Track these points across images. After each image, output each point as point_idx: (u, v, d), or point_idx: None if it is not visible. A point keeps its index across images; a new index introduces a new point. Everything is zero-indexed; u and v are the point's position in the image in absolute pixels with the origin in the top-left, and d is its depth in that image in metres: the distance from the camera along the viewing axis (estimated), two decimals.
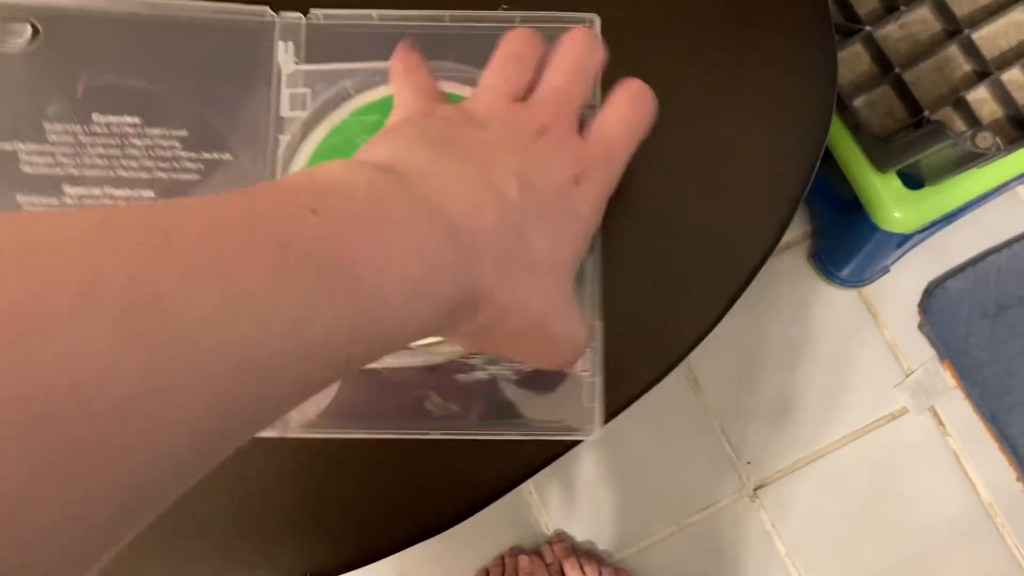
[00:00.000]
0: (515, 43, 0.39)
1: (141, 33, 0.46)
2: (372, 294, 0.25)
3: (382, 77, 0.47)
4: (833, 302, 1.19)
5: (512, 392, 0.44)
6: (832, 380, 1.18)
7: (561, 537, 1.13)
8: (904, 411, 1.18)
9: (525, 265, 0.32)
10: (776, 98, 0.51)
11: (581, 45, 0.39)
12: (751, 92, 0.51)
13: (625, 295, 0.46)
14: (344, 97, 0.47)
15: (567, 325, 0.35)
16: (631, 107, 0.39)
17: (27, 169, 0.44)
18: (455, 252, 0.29)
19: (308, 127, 0.46)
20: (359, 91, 0.47)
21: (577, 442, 0.46)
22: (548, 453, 0.46)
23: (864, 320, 1.19)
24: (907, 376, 1.18)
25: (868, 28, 0.97)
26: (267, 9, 0.47)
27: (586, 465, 1.15)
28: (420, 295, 0.27)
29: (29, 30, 0.45)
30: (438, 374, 0.44)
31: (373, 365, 0.44)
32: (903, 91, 0.97)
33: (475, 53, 0.47)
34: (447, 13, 0.47)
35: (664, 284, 0.48)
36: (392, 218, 0.27)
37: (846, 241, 1.08)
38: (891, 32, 0.99)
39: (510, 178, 0.32)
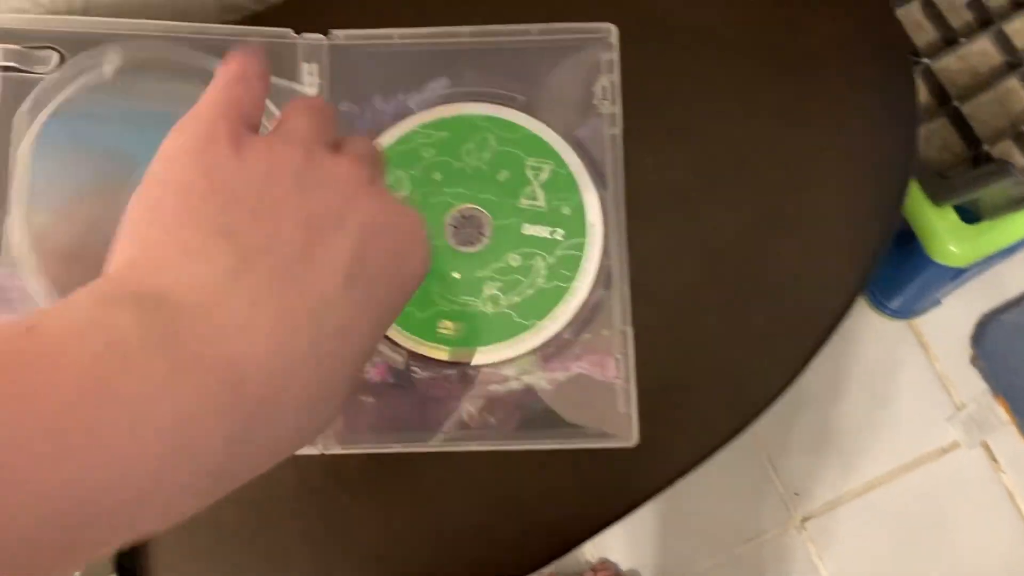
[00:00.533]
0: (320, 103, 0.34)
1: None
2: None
3: (421, 104, 0.48)
4: (883, 333, 1.17)
5: (547, 401, 0.45)
6: (881, 412, 1.16)
7: (605, 565, 1.13)
8: (955, 445, 1.16)
9: (348, 360, 0.28)
10: (855, 155, 0.51)
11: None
12: (829, 140, 0.51)
13: (704, 349, 0.47)
14: (405, 113, 0.48)
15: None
16: None
17: None
18: (237, 406, 0.24)
19: (373, 133, 0.48)
20: (420, 108, 0.48)
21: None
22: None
23: (914, 352, 1.18)
24: (958, 410, 1.16)
25: (926, 60, 0.96)
26: (289, 31, 0.48)
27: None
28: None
29: (55, 57, 0.46)
30: (472, 386, 0.45)
31: (409, 381, 0.45)
32: (961, 124, 0.95)
33: (496, 68, 0.48)
34: (466, 29, 0.48)
35: (743, 338, 0.48)
36: (135, 391, 0.22)
37: (898, 272, 1.07)
38: (949, 64, 0.97)
39: (336, 272, 0.27)
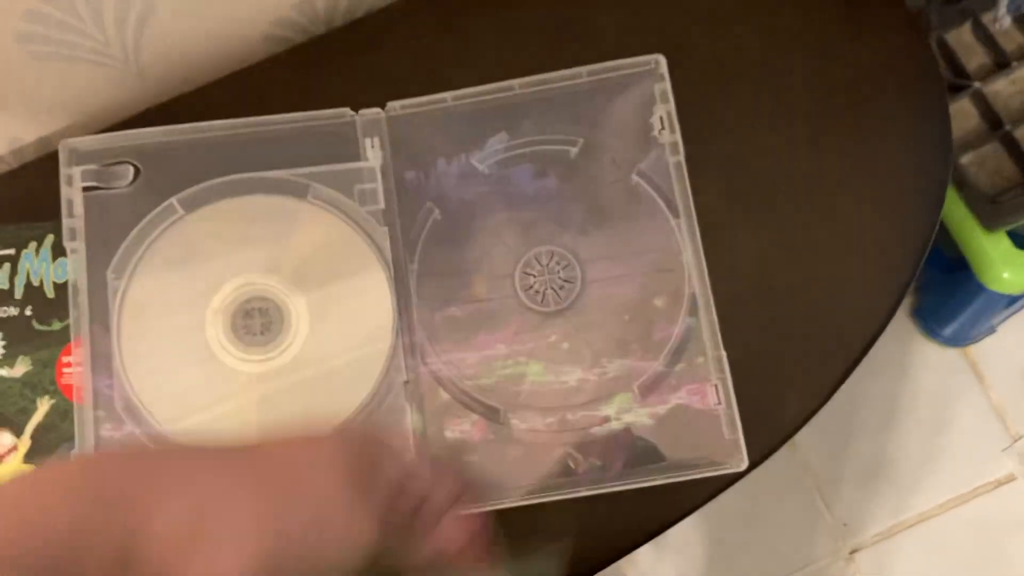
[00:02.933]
0: None
1: (232, 152, 0.48)
2: None
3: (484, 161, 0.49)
4: (936, 361, 1.15)
5: (650, 436, 0.45)
6: (934, 442, 1.14)
7: None
8: (1011, 478, 1.13)
9: None
10: (889, 180, 0.51)
11: None
12: (864, 172, 0.51)
13: (740, 362, 0.46)
14: (469, 172, 0.49)
15: None
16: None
17: None
18: None
19: (425, 215, 0.48)
20: (482, 164, 0.49)
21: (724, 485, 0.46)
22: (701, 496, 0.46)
23: (968, 381, 1.15)
24: (1015, 441, 1.13)
25: (977, 84, 0.95)
26: (347, 110, 0.48)
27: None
28: None
29: (131, 171, 0.47)
30: (574, 431, 0.45)
31: (510, 435, 0.45)
32: (1013, 149, 0.94)
33: (551, 115, 0.48)
34: (516, 82, 0.48)
35: (773, 364, 0.48)
36: None
37: (951, 300, 1.05)
38: (1001, 88, 0.96)
39: None
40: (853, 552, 1.13)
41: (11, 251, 0.51)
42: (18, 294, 0.51)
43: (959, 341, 1.13)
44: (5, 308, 0.50)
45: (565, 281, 0.47)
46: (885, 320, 0.49)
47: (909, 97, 0.51)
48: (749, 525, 1.13)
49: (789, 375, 0.48)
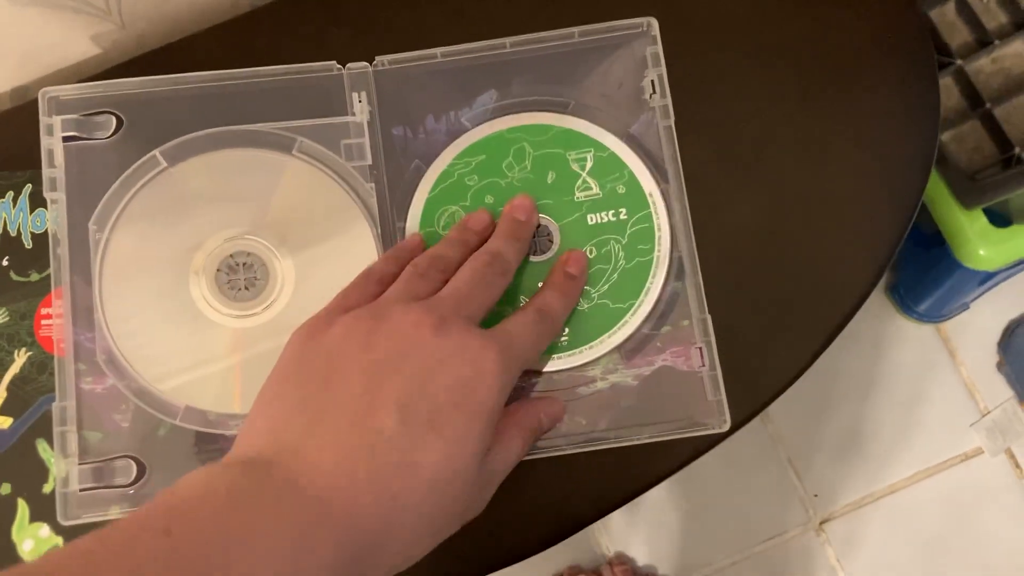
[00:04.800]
0: (423, 262, 0.41)
1: (218, 106, 0.48)
2: None
3: (473, 118, 0.48)
4: (909, 336, 1.17)
5: (634, 397, 0.45)
6: (905, 416, 1.16)
7: (622, 559, 1.13)
8: (979, 451, 1.15)
9: (415, 487, 0.32)
10: (877, 144, 0.51)
11: (487, 264, 0.41)
12: (851, 142, 0.51)
13: (722, 326, 0.46)
14: (443, 141, 0.48)
15: (477, 499, 0.37)
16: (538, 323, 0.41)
17: None
18: (327, 528, 0.30)
19: (414, 173, 0.47)
20: (455, 135, 0.48)
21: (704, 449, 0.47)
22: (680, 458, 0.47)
23: (940, 356, 1.17)
24: (983, 416, 1.15)
25: (959, 62, 0.95)
26: (334, 63, 0.48)
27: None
28: None
29: (114, 121, 0.46)
30: (560, 391, 0.45)
31: None
32: (993, 127, 0.94)
33: (542, 75, 0.48)
34: (507, 40, 0.48)
35: (759, 322, 0.49)
36: (252, 523, 0.28)
37: (926, 276, 1.06)
38: (983, 66, 0.96)
39: (391, 411, 0.33)
40: (823, 522, 1.15)
41: None
42: None
43: (933, 317, 1.14)
44: None
45: (549, 240, 0.47)
46: (867, 290, 0.50)
47: (899, 68, 0.52)
48: (721, 494, 1.14)
49: (769, 341, 0.49)
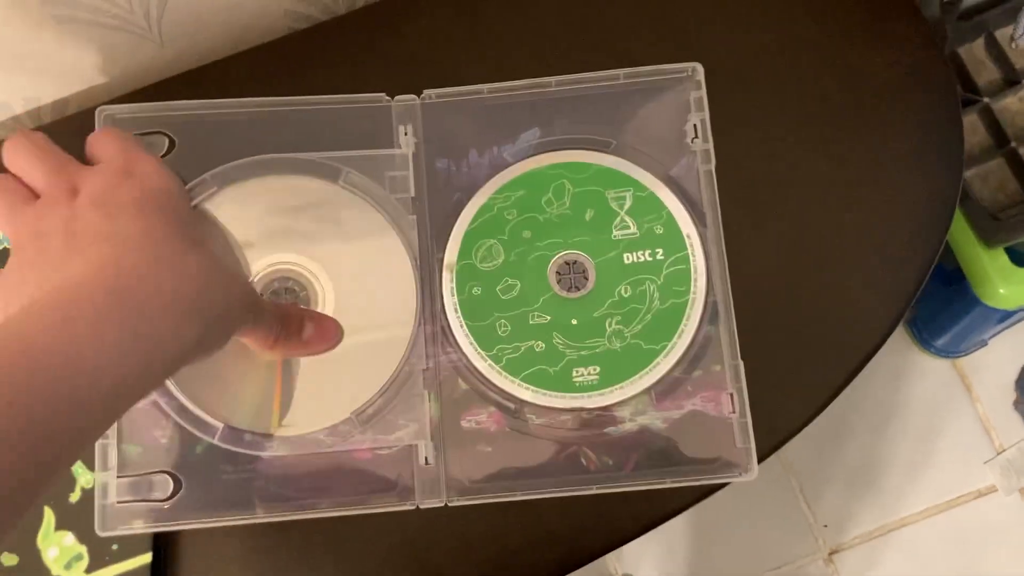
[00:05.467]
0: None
1: (269, 132, 0.49)
2: None
3: (516, 153, 0.49)
4: (926, 371, 1.17)
5: (663, 440, 0.46)
6: (919, 450, 1.16)
7: None
8: (992, 489, 1.15)
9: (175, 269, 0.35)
10: (900, 194, 0.52)
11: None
12: (876, 183, 0.52)
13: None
14: (483, 175, 0.49)
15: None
16: None
17: None
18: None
19: (455, 208, 0.48)
20: (497, 170, 0.49)
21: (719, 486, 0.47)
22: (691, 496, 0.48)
23: (957, 392, 1.17)
24: (998, 453, 1.15)
25: (986, 100, 0.95)
26: (383, 95, 0.49)
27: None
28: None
29: (165, 142, 0.47)
30: (589, 429, 0.46)
31: (526, 428, 0.46)
32: (1018, 166, 0.95)
33: (585, 115, 0.49)
34: (552, 79, 0.49)
35: (772, 368, 0.49)
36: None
37: (945, 311, 1.06)
38: (1010, 104, 0.97)
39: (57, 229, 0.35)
40: (832, 553, 1.15)
41: None
42: None
43: (951, 353, 1.14)
44: None
45: (584, 277, 0.47)
46: (887, 331, 0.50)
47: (924, 113, 0.52)
48: (731, 521, 1.15)
49: (788, 380, 0.49)
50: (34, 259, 0.35)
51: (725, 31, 0.53)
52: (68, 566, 0.48)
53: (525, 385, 0.46)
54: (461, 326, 0.47)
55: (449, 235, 0.48)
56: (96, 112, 0.47)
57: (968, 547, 1.14)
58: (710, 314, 0.46)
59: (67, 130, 0.50)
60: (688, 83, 0.48)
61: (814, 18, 0.53)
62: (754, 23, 0.53)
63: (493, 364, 0.46)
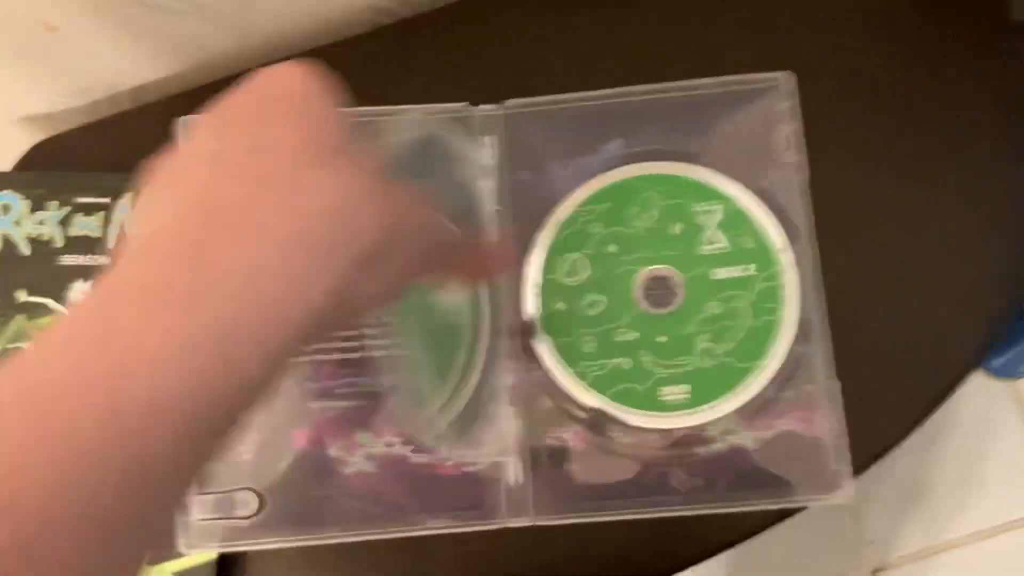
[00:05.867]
0: None
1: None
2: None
3: (601, 164, 0.48)
4: (980, 390, 1.15)
5: (755, 460, 0.44)
6: (968, 471, 1.14)
7: None
8: None
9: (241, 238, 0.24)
10: (994, 222, 0.50)
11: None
12: (970, 210, 0.50)
13: None
14: (566, 188, 0.47)
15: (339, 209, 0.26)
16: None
17: None
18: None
19: (536, 220, 0.47)
20: (582, 181, 0.48)
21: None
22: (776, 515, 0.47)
23: (1011, 415, 1.15)
24: None
25: None
26: (466, 104, 0.48)
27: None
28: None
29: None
30: (679, 449, 0.45)
31: (613, 446, 0.45)
32: None
33: (670, 124, 0.48)
34: (639, 88, 0.48)
35: (859, 386, 0.46)
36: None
37: (1005, 331, 1.04)
38: None
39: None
40: (876, 571, 1.13)
41: (106, 200, 0.51)
42: (110, 243, 0.51)
43: (1008, 373, 1.12)
44: (96, 256, 0.50)
45: (672, 293, 0.46)
46: (978, 357, 0.49)
47: (1018, 137, 0.51)
48: (774, 533, 1.12)
49: (877, 401, 0.48)
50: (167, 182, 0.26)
51: (820, 45, 0.52)
52: None
53: (612, 403, 0.45)
54: (545, 342, 0.46)
55: (532, 249, 0.47)
56: (178, 123, 0.47)
57: (1014, 574, 1.12)
58: (805, 331, 0.45)
59: (146, 120, 0.50)
60: (780, 93, 0.47)
61: (914, 40, 0.52)
62: (850, 39, 0.52)
63: (578, 381, 0.45)
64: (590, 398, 0.45)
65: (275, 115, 0.26)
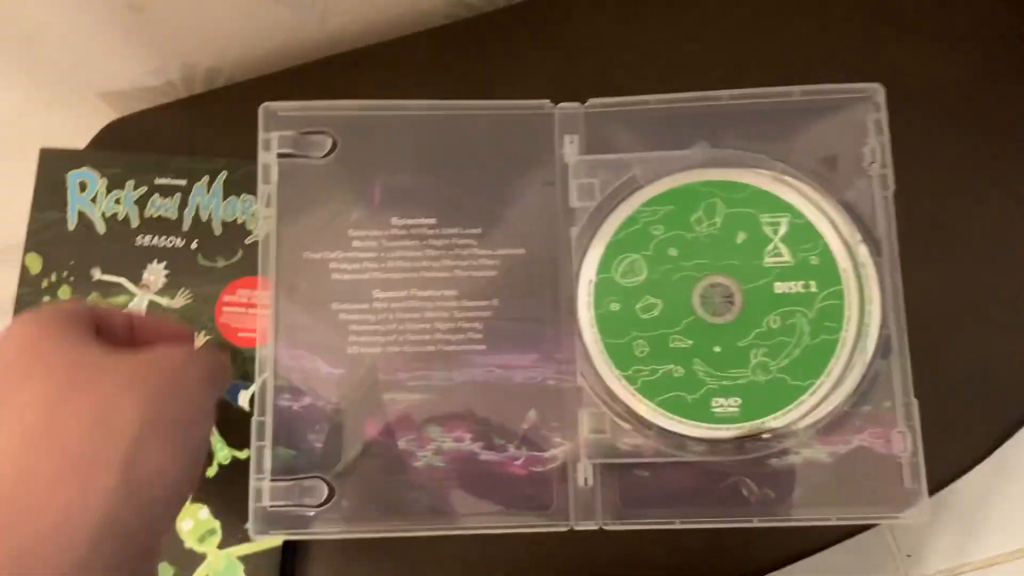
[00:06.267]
0: None
1: (429, 135, 0.48)
2: None
3: (671, 165, 0.47)
4: None
5: (827, 475, 0.44)
6: (1013, 487, 1.12)
7: None
8: None
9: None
10: None
11: None
12: None
13: None
14: (633, 187, 0.47)
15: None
16: None
17: (336, 276, 0.46)
18: None
19: (599, 218, 0.46)
20: (649, 181, 0.47)
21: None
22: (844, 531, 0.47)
23: None
24: None
25: None
26: (547, 102, 0.47)
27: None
28: None
29: (329, 142, 0.46)
30: (751, 459, 0.44)
31: (683, 453, 0.44)
32: None
33: (748, 131, 0.47)
34: (725, 92, 0.47)
35: (939, 407, 0.45)
36: None
37: None
38: None
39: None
40: None
41: (183, 182, 0.52)
42: (186, 226, 0.51)
43: None
44: (172, 238, 0.51)
45: (730, 302, 0.46)
46: None
47: None
48: None
49: (947, 427, 0.47)
50: None
51: (906, 57, 0.51)
52: (201, 540, 0.48)
53: (660, 411, 0.44)
54: (596, 342, 0.45)
55: (589, 246, 0.47)
56: (260, 110, 0.47)
57: None
58: (883, 347, 0.44)
59: (220, 104, 0.50)
60: (869, 104, 0.46)
61: (1004, 56, 0.51)
62: (938, 53, 0.51)
63: (628, 385, 0.45)
64: (638, 404, 0.44)
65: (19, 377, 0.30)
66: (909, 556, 1.12)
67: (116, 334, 0.37)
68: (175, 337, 0.39)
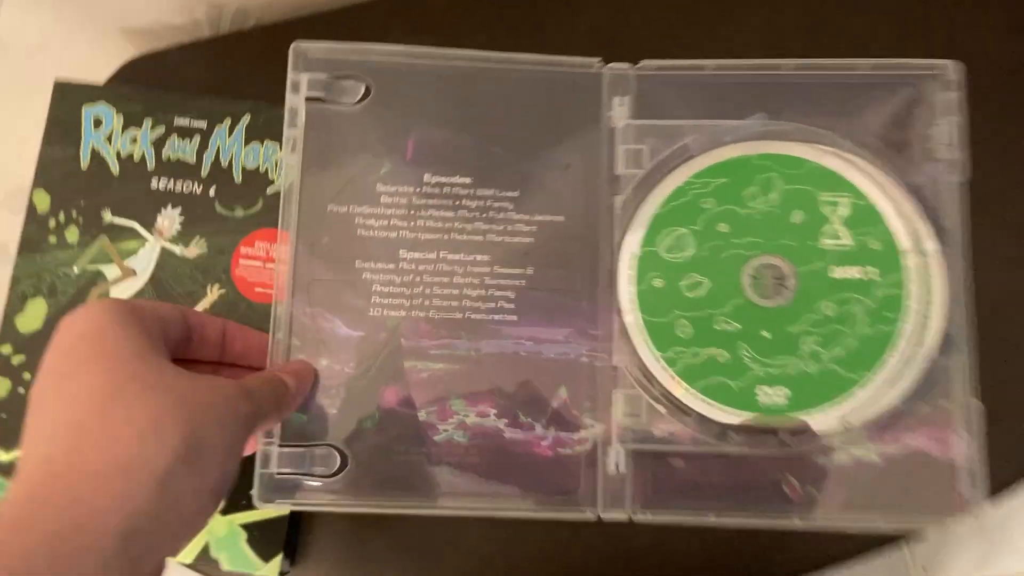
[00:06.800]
0: None
1: (468, 88, 0.45)
2: None
3: (726, 136, 0.44)
4: None
5: (877, 477, 0.41)
6: None
7: None
8: None
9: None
10: None
11: None
12: None
13: None
14: (685, 156, 0.44)
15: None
16: None
17: (362, 232, 0.43)
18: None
19: (645, 188, 0.43)
20: (702, 150, 0.44)
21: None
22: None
23: None
24: None
25: None
26: (597, 60, 0.44)
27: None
28: None
29: (362, 89, 0.43)
30: (794, 455, 0.41)
31: (723, 445, 0.42)
32: None
33: (811, 105, 0.44)
34: (785, 62, 0.44)
35: (1011, 405, 0.44)
36: None
37: None
38: None
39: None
40: None
41: (203, 124, 0.49)
42: (204, 171, 0.48)
43: None
44: (189, 183, 0.48)
45: (783, 285, 0.43)
46: None
47: None
48: None
49: (1008, 432, 0.44)
50: None
51: (988, 37, 0.47)
52: None
53: (701, 396, 0.41)
54: (636, 320, 0.42)
55: (633, 217, 0.43)
56: (291, 48, 0.44)
57: None
58: (944, 344, 0.41)
59: (246, 46, 0.48)
60: (945, 82, 0.43)
61: None
62: (1017, 31, 0.48)
63: (667, 367, 0.42)
64: (677, 387, 0.41)
65: (79, 362, 0.31)
66: (925, 569, 1.09)
67: (209, 343, 0.39)
68: (259, 351, 0.41)
